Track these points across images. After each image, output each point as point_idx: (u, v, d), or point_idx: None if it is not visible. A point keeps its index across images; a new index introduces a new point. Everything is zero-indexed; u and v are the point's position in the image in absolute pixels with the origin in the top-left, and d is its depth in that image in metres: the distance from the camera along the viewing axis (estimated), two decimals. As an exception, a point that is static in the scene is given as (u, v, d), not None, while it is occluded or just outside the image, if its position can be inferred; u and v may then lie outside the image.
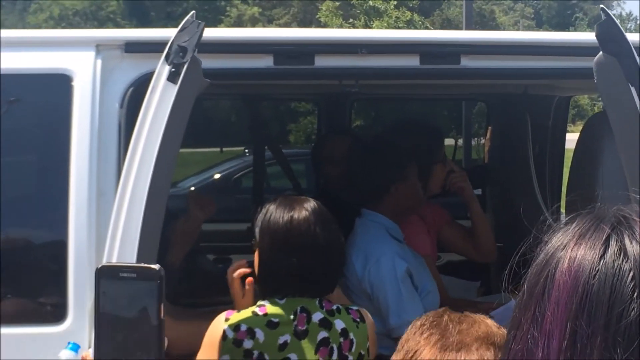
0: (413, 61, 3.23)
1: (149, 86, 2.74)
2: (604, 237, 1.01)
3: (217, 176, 8.84)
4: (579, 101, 37.04)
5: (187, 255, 3.93)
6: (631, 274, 0.96)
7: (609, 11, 2.74)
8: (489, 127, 5.92)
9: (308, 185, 6.77)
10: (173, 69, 2.71)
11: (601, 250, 0.99)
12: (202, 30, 2.73)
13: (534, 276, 1.06)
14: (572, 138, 5.27)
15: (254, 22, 53.81)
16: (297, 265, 2.99)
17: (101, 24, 54.02)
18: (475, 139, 7.46)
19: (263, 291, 3.09)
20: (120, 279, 1.85)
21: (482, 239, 4.39)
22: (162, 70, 2.72)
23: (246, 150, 8.57)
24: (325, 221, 3.07)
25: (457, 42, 3.38)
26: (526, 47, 3.40)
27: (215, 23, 52.43)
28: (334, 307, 3.06)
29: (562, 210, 4.92)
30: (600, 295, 0.96)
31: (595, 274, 0.98)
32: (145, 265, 1.82)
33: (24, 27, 44.08)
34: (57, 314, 2.99)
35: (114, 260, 2.63)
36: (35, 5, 55.14)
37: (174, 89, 2.69)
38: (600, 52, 2.74)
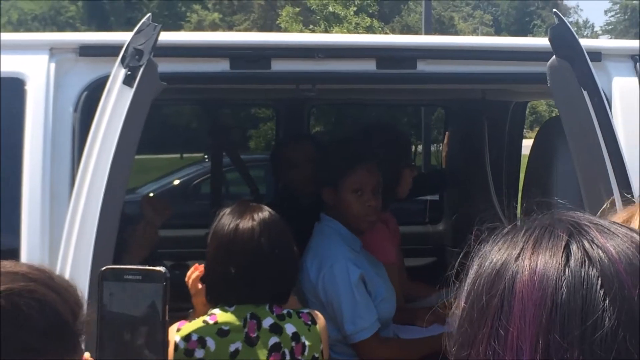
0: (370, 65, 3.24)
1: (105, 89, 2.72)
2: (563, 244, 0.98)
3: (176, 182, 8.79)
4: (537, 107, 37.38)
5: (143, 262, 3.89)
6: (599, 281, 0.94)
7: (561, 15, 2.76)
8: (447, 132, 5.95)
9: (267, 191, 6.76)
10: (129, 72, 2.69)
11: (563, 258, 0.97)
12: (159, 33, 2.71)
13: (481, 289, 1.01)
14: (529, 144, 5.33)
15: (214, 28, 53.59)
16: (240, 273, 2.98)
17: (60, 29, 53.50)
18: (435, 144, 7.51)
19: (211, 298, 3.08)
20: (124, 281, 1.85)
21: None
22: (118, 73, 2.70)
23: (206, 157, 8.54)
24: (273, 230, 3.05)
25: (414, 47, 3.38)
26: (482, 51, 3.41)
27: (175, 28, 52.19)
28: (285, 312, 3.06)
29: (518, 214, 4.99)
30: (572, 306, 0.93)
31: (562, 284, 0.95)
32: (151, 267, 1.82)
33: (-19, 32, 43.57)
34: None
35: (69, 265, 2.61)
36: (-8, 10, 54.56)
37: (129, 92, 2.67)
38: (554, 56, 2.76)
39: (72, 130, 3.01)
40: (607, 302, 0.92)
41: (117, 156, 2.63)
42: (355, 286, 3.59)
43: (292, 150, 4.82)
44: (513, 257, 1.00)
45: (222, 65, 3.15)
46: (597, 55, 3.24)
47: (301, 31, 34.60)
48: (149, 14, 2.81)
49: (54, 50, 3.08)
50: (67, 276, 2.59)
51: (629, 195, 2.28)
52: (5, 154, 3.09)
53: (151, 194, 7.77)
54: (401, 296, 4.13)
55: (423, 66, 3.26)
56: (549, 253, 0.98)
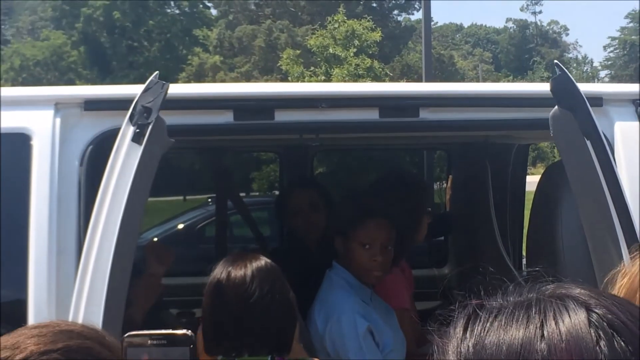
0: (372, 114, 3.25)
1: (114, 146, 2.74)
2: (584, 316, 0.99)
3: (180, 226, 8.79)
4: (539, 144, 37.43)
5: (149, 311, 3.88)
6: (630, 349, 0.97)
7: (562, 66, 2.79)
8: (450, 176, 5.96)
9: (272, 233, 6.76)
10: (137, 130, 2.71)
11: (593, 332, 0.98)
12: (167, 90, 2.73)
13: None
14: (532, 180, 5.35)
15: (215, 71, 53.94)
16: (233, 323, 2.96)
17: (62, 74, 53.98)
18: (438, 182, 7.51)
19: (209, 349, 3.06)
20: (148, 346, 1.84)
21: None
22: (127, 130, 2.73)
23: (209, 200, 8.55)
24: (266, 279, 3.02)
25: (416, 95, 3.40)
26: (484, 98, 3.43)
27: (177, 72, 52.64)
28: None
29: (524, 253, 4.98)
30: None
31: (599, 354, 0.96)
32: (176, 331, 1.81)
33: (-16, 78, 43.87)
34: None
35: (80, 319, 2.61)
36: (-5, 56, 54.94)
37: (138, 150, 2.70)
38: (556, 106, 2.78)
39: (78, 184, 3.02)
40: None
41: (126, 213, 2.65)
42: (362, 339, 3.57)
43: (296, 196, 4.82)
44: (537, 334, 0.99)
45: (226, 117, 3.16)
46: (598, 100, 3.26)
47: (302, 73, 34.74)
48: (156, 72, 2.84)
49: (59, 105, 3.10)
50: None
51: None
52: (12, 208, 3.10)
53: (155, 239, 7.77)
54: (413, 342, 4.11)
55: (426, 114, 3.28)
56: (576, 326, 0.98)
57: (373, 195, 4.09)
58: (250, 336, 2.98)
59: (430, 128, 3.51)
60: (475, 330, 1.03)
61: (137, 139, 2.71)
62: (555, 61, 2.86)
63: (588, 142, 2.74)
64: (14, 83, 49.30)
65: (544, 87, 3.17)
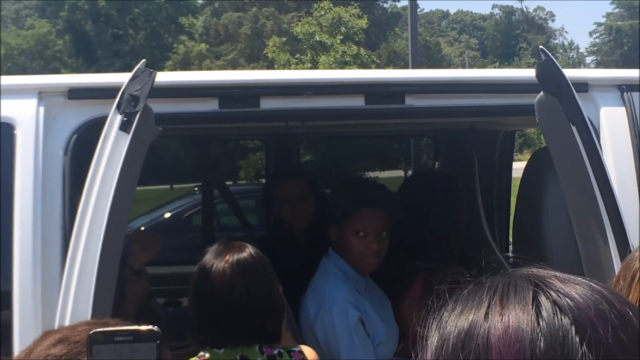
0: (358, 101, 3.24)
1: (100, 135, 2.72)
2: (531, 296, 1.01)
3: (167, 215, 8.76)
4: (526, 130, 37.54)
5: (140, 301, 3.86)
6: (573, 328, 0.97)
7: (547, 52, 2.78)
8: (436, 163, 5.96)
9: (259, 221, 6.75)
10: (125, 118, 2.70)
11: (534, 309, 0.99)
12: (154, 78, 2.72)
13: (452, 351, 1.02)
14: (519, 167, 5.35)
15: (201, 59, 53.79)
16: (218, 314, 2.96)
17: (47, 63, 53.73)
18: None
19: (197, 340, 3.05)
20: (114, 342, 1.82)
21: None
22: (114, 119, 2.71)
23: (196, 189, 8.52)
24: (249, 271, 3.02)
25: (402, 82, 3.39)
26: (470, 85, 3.42)
27: (163, 60, 52.48)
28: (276, 352, 3.02)
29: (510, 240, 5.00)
30: (552, 354, 0.96)
31: (538, 334, 0.97)
32: (142, 327, 1.79)
33: (-32, 67, 43.58)
34: (2, 362, 2.93)
35: (69, 309, 2.60)
36: (-21, 45, 54.64)
37: (126, 138, 2.68)
38: (541, 92, 2.77)
39: (63, 173, 3.00)
40: (584, 347, 0.95)
41: (115, 202, 2.64)
42: (353, 329, 3.56)
43: (284, 186, 4.81)
44: (481, 316, 1.02)
45: (211, 105, 3.15)
46: (584, 85, 3.26)
47: (288, 60, 34.72)
48: (143, 60, 2.82)
49: (42, 94, 3.07)
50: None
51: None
52: (-4, 198, 3.08)
53: (141, 228, 7.74)
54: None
55: (411, 101, 3.27)
56: (519, 306, 1.00)
57: (362, 187, 4.08)
58: (235, 328, 2.97)
59: (417, 115, 3.50)
60: (443, 318, 1.07)
61: (124, 127, 2.69)
62: (541, 47, 2.86)
63: (574, 128, 2.74)
64: (-1, 72, 49.08)
65: (529, 73, 3.17)
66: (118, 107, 2.72)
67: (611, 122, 3.26)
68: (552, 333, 0.97)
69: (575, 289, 1.02)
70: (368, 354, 3.60)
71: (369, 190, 3.96)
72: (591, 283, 1.05)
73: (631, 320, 1.00)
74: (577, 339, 0.96)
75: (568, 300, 1.00)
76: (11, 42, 56.41)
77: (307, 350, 3.12)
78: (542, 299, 1.01)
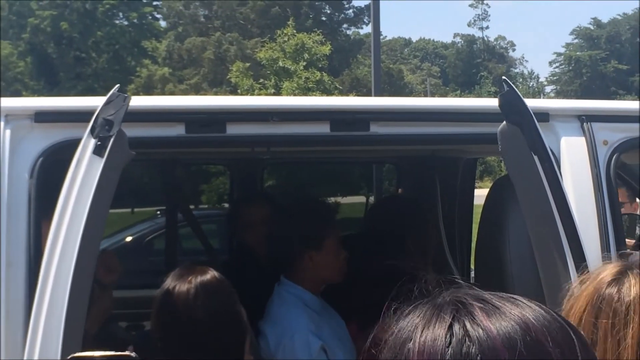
0: (324, 128, 3.28)
1: (72, 158, 2.72)
2: (447, 325, 1.10)
3: (129, 238, 8.72)
4: (486, 158, 37.81)
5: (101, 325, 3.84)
6: (478, 357, 1.06)
7: (510, 82, 2.84)
8: (399, 189, 6.01)
9: (221, 245, 6.75)
10: (99, 142, 2.70)
11: (447, 337, 1.08)
12: (128, 103, 2.74)
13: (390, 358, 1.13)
14: (479, 194, 5.42)
15: (164, 83, 53.67)
16: (178, 338, 2.96)
17: (9, 85, 53.17)
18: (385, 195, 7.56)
19: None
20: None
21: None
22: (88, 142, 2.72)
23: (158, 212, 8.49)
24: (213, 294, 3.01)
25: (367, 109, 3.44)
26: (434, 113, 3.48)
27: (125, 83, 52.19)
28: None
29: (472, 266, 5.05)
30: None
31: (446, 358, 1.06)
32: (120, 353, 1.80)
33: None
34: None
35: (40, 332, 2.59)
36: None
37: (100, 162, 2.69)
38: (504, 122, 2.83)
39: (28, 196, 2.99)
40: None
41: (88, 226, 2.64)
42: (316, 358, 3.56)
43: (248, 210, 4.82)
44: (408, 338, 1.12)
45: (177, 130, 3.16)
46: (544, 115, 3.33)
47: (252, 86, 34.74)
48: (117, 85, 2.84)
49: (9, 117, 3.06)
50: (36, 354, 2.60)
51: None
52: (-39, 221, 3.06)
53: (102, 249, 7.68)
54: None
55: (376, 128, 3.31)
56: (435, 333, 1.10)
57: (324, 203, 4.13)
58: (198, 351, 2.96)
59: (381, 142, 3.54)
60: (391, 333, 1.17)
61: (98, 151, 2.70)
62: (503, 77, 2.92)
63: (535, 157, 2.80)
64: (-41, 93, 48.42)
65: (491, 102, 3.23)
66: (92, 131, 2.73)
67: (571, 151, 3.33)
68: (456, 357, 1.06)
69: (494, 317, 1.10)
70: None
71: (325, 207, 4.01)
72: (518, 309, 1.13)
73: (544, 348, 1.07)
74: None
75: (479, 330, 1.08)
76: (-28, 63, 55.90)
77: None
78: (456, 327, 1.09)
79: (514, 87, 2.81)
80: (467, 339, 1.07)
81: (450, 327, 1.09)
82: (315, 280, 3.79)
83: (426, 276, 1.33)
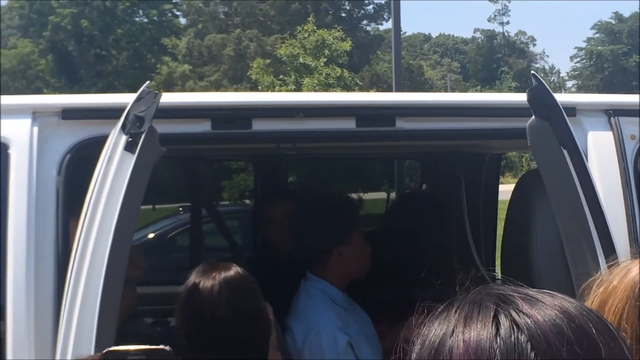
0: (349, 124, 3.28)
1: (102, 155, 2.74)
2: (492, 315, 1.09)
3: (151, 235, 8.75)
4: (507, 153, 37.67)
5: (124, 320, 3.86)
6: (529, 344, 1.05)
7: (539, 76, 2.83)
8: (424, 185, 5.99)
9: (244, 241, 6.76)
10: (130, 139, 2.71)
11: (494, 328, 1.07)
12: (159, 99, 2.75)
13: None
14: (502, 189, 5.40)
15: (184, 79, 53.82)
16: (202, 333, 2.96)
17: (30, 83, 53.56)
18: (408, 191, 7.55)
19: (184, 357, 3.03)
20: None
21: None
22: (119, 139, 2.73)
23: (180, 209, 8.52)
24: (237, 290, 3.02)
25: (392, 105, 3.43)
26: (459, 108, 3.47)
27: (145, 80, 52.26)
28: None
29: (497, 262, 5.03)
30: None
31: (495, 351, 1.05)
32: (155, 347, 1.79)
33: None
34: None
35: (73, 328, 2.60)
36: (-38, 64, 54.38)
37: (132, 159, 2.70)
38: (533, 117, 2.82)
39: (56, 193, 3.01)
40: None
41: (120, 221, 2.65)
42: (342, 354, 3.55)
43: (270, 207, 4.83)
44: (448, 334, 1.10)
45: (203, 126, 3.17)
46: (572, 110, 3.31)
47: (272, 82, 34.75)
48: (147, 82, 2.85)
49: (36, 114, 3.08)
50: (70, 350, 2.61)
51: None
52: (-10, 217, 3.08)
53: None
54: None
55: (402, 123, 3.31)
56: (480, 325, 1.09)
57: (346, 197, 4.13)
58: (221, 347, 2.97)
59: (406, 137, 3.54)
60: (422, 332, 1.16)
61: (130, 147, 2.71)
62: (532, 72, 2.90)
63: (565, 152, 2.79)
64: (-19, 92, 48.73)
65: (517, 97, 3.21)
66: (123, 127, 2.74)
67: (598, 146, 3.31)
68: (508, 350, 1.05)
69: (536, 306, 1.10)
70: None
71: (351, 202, 4.04)
72: (556, 301, 1.13)
73: (590, 334, 1.07)
74: (533, 355, 1.04)
75: (526, 318, 1.08)
76: (-7, 61, 56.24)
77: None
78: (502, 317, 1.09)
79: (543, 81, 2.80)
80: (515, 328, 1.07)
81: (495, 317, 1.09)
82: (341, 275, 3.79)
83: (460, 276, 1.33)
